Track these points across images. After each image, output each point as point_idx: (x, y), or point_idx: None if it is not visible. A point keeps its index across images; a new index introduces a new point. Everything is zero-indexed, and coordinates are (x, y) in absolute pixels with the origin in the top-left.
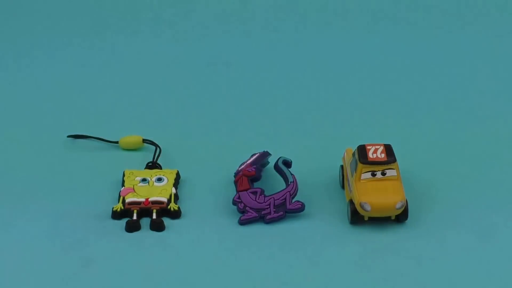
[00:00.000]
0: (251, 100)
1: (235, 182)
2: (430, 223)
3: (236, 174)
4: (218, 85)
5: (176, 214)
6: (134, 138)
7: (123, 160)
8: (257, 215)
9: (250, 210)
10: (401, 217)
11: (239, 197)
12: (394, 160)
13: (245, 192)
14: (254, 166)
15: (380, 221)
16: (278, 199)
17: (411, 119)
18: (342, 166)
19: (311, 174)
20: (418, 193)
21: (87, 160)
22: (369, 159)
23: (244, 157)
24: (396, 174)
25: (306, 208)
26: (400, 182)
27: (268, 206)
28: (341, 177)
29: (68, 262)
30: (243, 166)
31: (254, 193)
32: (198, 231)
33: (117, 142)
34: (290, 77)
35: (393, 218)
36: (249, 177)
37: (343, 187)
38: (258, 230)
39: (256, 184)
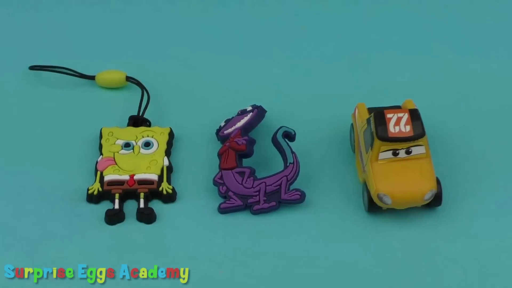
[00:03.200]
0: (252, 49)
1: (219, 155)
2: (468, 209)
3: (218, 133)
4: (219, 30)
5: (169, 197)
6: (115, 74)
7: (101, 103)
8: (242, 203)
9: (234, 197)
10: (434, 202)
11: (221, 177)
12: (423, 134)
13: (230, 171)
14: (246, 138)
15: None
16: (271, 184)
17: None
18: (353, 126)
19: (316, 136)
20: (451, 167)
21: (54, 101)
22: (390, 135)
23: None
24: (425, 151)
25: (309, 190)
26: (429, 162)
27: (257, 193)
28: (353, 140)
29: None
30: (230, 130)
31: (241, 173)
32: (198, 220)
33: (93, 78)
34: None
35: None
36: (238, 151)
37: (354, 151)
38: (270, 218)
39: (246, 161)
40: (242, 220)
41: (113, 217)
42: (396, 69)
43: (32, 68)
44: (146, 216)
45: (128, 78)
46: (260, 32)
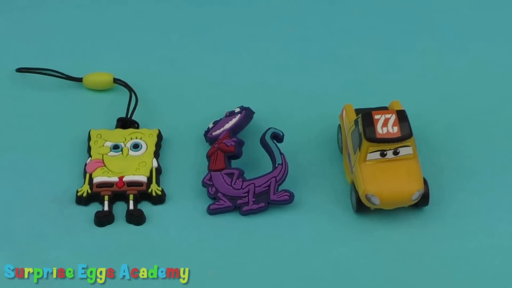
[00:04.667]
0: (240, 50)
1: (208, 156)
2: (455, 208)
3: (206, 135)
4: (207, 32)
5: (159, 199)
6: (102, 76)
7: (88, 105)
8: (231, 204)
9: (223, 198)
10: (421, 202)
11: (210, 179)
12: (410, 135)
13: (219, 173)
14: (234, 139)
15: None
16: (260, 185)
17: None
18: (340, 127)
19: (303, 136)
20: (438, 166)
21: (41, 103)
22: (378, 136)
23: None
24: (412, 152)
25: (298, 191)
26: (417, 162)
27: (246, 195)
28: (340, 141)
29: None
30: (219, 132)
31: (230, 175)
32: (187, 221)
33: (80, 80)
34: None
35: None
36: (226, 153)
37: (342, 152)
38: (259, 219)
39: (235, 162)
40: (231, 221)
41: (103, 219)
42: (383, 69)
43: (19, 70)
44: (136, 218)
45: (116, 80)
46: (247, 33)
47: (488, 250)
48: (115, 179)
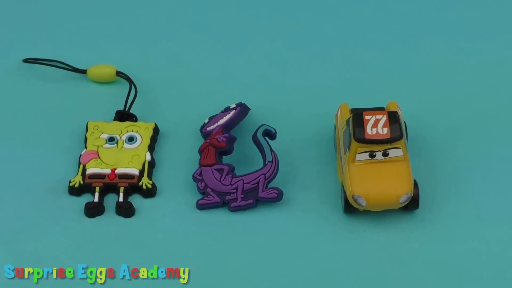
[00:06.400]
0: (242, 46)
1: (200, 151)
2: (446, 212)
3: (202, 130)
4: (210, 27)
5: (149, 192)
6: (105, 69)
7: (91, 97)
8: (220, 200)
9: (212, 193)
10: (410, 205)
11: (200, 174)
12: (400, 137)
13: (209, 168)
14: (226, 135)
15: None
16: (249, 182)
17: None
18: (336, 126)
19: (300, 135)
20: (431, 170)
21: (45, 94)
22: (367, 137)
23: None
24: (402, 154)
25: (289, 189)
26: (407, 164)
27: (235, 191)
28: (335, 140)
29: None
30: (213, 127)
31: (220, 171)
32: (176, 215)
33: (85, 72)
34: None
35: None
36: (218, 148)
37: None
38: (247, 215)
39: (227, 158)
40: (220, 217)
41: (92, 210)
42: (384, 69)
43: (26, 61)
44: (125, 210)
45: (118, 73)
46: (248, 30)
47: (478, 256)
48: (107, 171)
